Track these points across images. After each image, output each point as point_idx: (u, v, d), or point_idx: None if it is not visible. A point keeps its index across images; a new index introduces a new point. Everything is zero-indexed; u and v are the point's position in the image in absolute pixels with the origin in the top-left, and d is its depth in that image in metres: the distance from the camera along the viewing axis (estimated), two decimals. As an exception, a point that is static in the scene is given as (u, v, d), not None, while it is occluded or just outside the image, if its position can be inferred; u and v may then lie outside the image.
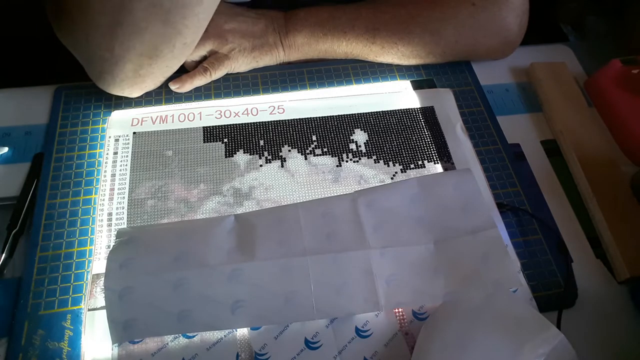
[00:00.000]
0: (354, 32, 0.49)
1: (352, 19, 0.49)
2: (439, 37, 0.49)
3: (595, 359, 0.37)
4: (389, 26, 0.49)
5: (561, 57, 0.55)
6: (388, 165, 0.46)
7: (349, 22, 0.49)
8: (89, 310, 0.37)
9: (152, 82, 0.45)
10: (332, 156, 0.46)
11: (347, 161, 0.46)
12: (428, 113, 0.49)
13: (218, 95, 0.50)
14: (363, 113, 0.49)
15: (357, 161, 0.46)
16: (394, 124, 0.48)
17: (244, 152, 0.46)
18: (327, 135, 0.47)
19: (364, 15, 0.49)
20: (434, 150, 0.47)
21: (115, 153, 0.45)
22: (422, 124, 0.49)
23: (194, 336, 0.36)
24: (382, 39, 0.49)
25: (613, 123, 0.50)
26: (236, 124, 0.48)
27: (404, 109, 0.50)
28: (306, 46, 0.50)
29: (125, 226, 0.41)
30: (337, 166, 0.45)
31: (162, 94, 0.49)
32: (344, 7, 0.49)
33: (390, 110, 0.49)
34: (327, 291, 0.37)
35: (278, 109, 0.49)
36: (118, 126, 0.47)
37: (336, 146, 0.47)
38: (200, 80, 0.48)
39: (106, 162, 0.44)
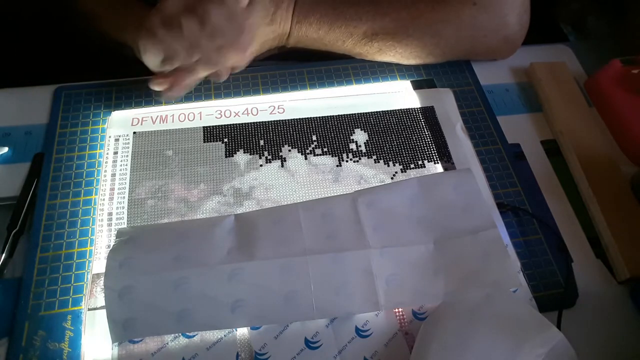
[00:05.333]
0: (352, 40, 0.49)
1: (351, 27, 0.48)
2: (438, 38, 0.49)
3: (595, 359, 0.37)
4: (388, 30, 0.48)
5: (561, 57, 0.55)
6: (388, 165, 0.46)
7: (347, 30, 0.49)
8: (89, 309, 0.37)
9: None
10: (332, 156, 0.46)
11: (347, 161, 0.46)
12: (428, 113, 0.49)
13: (218, 95, 0.50)
14: (363, 113, 0.49)
15: (357, 161, 0.46)
16: (394, 124, 0.48)
17: (244, 152, 0.46)
18: (327, 135, 0.47)
19: (364, 20, 0.48)
20: (434, 150, 0.47)
21: (115, 153, 0.45)
22: (422, 124, 0.49)
23: (194, 336, 0.36)
24: (380, 43, 0.49)
25: (613, 123, 0.50)
26: (236, 124, 0.48)
27: (404, 109, 0.50)
28: (303, 46, 0.51)
29: (125, 226, 0.41)
30: (337, 166, 0.45)
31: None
32: (345, 12, 0.48)
33: (390, 110, 0.49)
34: (327, 291, 0.37)
35: (278, 108, 0.49)
36: (118, 126, 0.47)
37: (336, 146, 0.47)
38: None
39: (106, 162, 0.44)
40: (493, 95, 0.52)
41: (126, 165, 0.44)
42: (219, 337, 0.36)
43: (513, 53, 0.53)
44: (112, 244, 0.39)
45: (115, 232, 0.40)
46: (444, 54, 0.51)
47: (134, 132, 0.46)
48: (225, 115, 0.48)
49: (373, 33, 0.49)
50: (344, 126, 0.48)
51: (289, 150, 0.46)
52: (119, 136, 0.46)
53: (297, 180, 0.44)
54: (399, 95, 0.51)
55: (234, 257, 0.38)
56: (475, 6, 0.48)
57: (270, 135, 0.47)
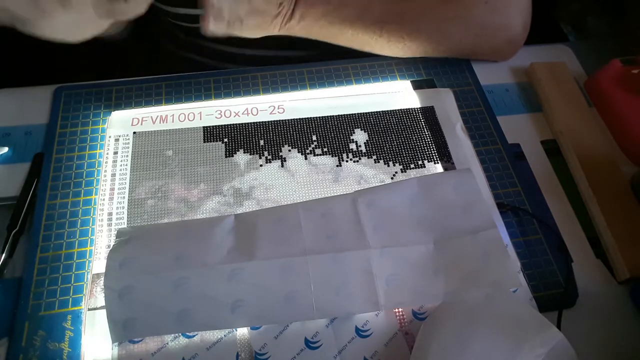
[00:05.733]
0: (362, 23, 0.48)
1: (362, 9, 0.47)
2: (445, 34, 0.49)
3: (595, 359, 0.37)
4: (398, 20, 0.48)
5: (561, 57, 0.55)
6: (388, 165, 0.46)
7: (357, 12, 0.47)
8: (89, 309, 0.37)
9: None
10: (332, 156, 0.46)
11: (347, 161, 0.46)
12: (428, 113, 0.49)
13: (218, 95, 0.50)
14: (363, 113, 0.49)
15: (357, 161, 0.46)
16: (394, 124, 0.48)
17: (244, 152, 0.46)
18: (327, 135, 0.47)
19: (375, 5, 0.47)
20: (434, 150, 0.47)
21: (115, 153, 0.45)
22: (422, 124, 0.49)
23: (194, 336, 0.36)
24: (390, 33, 0.48)
25: (613, 123, 0.50)
26: (236, 124, 0.48)
27: (404, 109, 0.50)
28: (307, 28, 0.48)
29: (125, 226, 0.41)
30: (337, 166, 0.45)
31: (162, 94, 0.49)
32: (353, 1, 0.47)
33: (390, 110, 0.49)
34: (327, 291, 0.37)
35: (278, 108, 0.49)
36: (118, 126, 0.47)
37: (336, 146, 0.47)
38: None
39: (106, 162, 0.44)
40: (493, 95, 0.52)
41: (126, 165, 0.44)
42: (219, 337, 0.36)
43: (514, 55, 0.53)
44: (112, 244, 0.39)
45: (115, 232, 0.40)
46: (448, 50, 0.52)
47: (134, 132, 0.46)
48: (225, 115, 0.48)
49: (383, 20, 0.48)
50: (344, 126, 0.48)
51: (289, 150, 0.46)
52: (119, 136, 0.46)
53: (297, 180, 0.44)
54: (399, 95, 0.51)
55: (234, 257, 0.38)
56: (487, 5, 0.48)
57: (270, 135, 0.47)
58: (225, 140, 0.47)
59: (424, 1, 0.48)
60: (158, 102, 0.49)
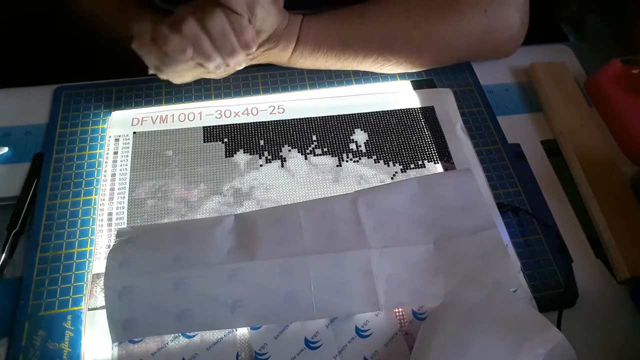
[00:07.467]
0: (363, 65, 0.49)
1: (361, 57, 0.48)
2: (450, 50, 0.50)
3: (595, 359, 0.37)
4: (401, 53, 0.48)
5: (561, 57, 0.55)
6: (388, 165, 0.46)
7: (356, 60, 0.48)
8: (89, 309, 0.37)
9: None
10: (332, 156, 0.46)
11: (347, 161, 0.46)
12: (428, 113, 0.49)
13: (218, 95, 0.50)
14: (363, 113, 0.49)
15: (357, 161, 0.46)
16: (394, 124, 0.48)
17: (244, 152, 0.46)
18: (327, 135, 0.47)
19: (374, 48, 0.47)
20: (434, 150, 0.47)
21: (115, 153, 0.45)
22: (422, 124, 0.49)
23: (194, 336, 0.36)
24: (393, 66, 0.49)
25: (613, 123, 0.50)
26: (236, 124, 0.48)
27: (404, 109, 0.50)
28: (307, 65, 0.50)
29: (125, 226, 0.41)
30: (337, 166, 0.45)
31: (162, 94, 0.49)
32: (353, 42, 0.47)
33: (390, 110, 0.49)
34: (327, 291, 0.37)
35: (278, 108, 0.49)
36: (118, 126, 0.47)
37: (336, 146, 0.47)
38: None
39: (106, 162, 0.44)
40: (493, 95, 0.52)
41: (126, 165, 0.44)
42: (219, 337, 0.36)
43: (515, 51, 0.53)
44: (112, 244, 0.39)
45: (115, 232, 0.40)
46: (452, 60, 0.52)
47: (134, 132, 0.46)
48: (225, 115, 0.48)
49: (384, 59, 0.48)
50: (344, 126, 0.48)
51: (289, 150, 0.46)
52: (119, 136, 0.46)
53: (297, 180, 0.44)
54: (399, 95, 0.51)
55: (234, 257, 0.38)
56: (486, 13, 0.48)
57: (270, 135, 0.47)
58: (225, 140, 0.47)
59: (424, 26, 0.47)
60: (158, 102, 0.49)
